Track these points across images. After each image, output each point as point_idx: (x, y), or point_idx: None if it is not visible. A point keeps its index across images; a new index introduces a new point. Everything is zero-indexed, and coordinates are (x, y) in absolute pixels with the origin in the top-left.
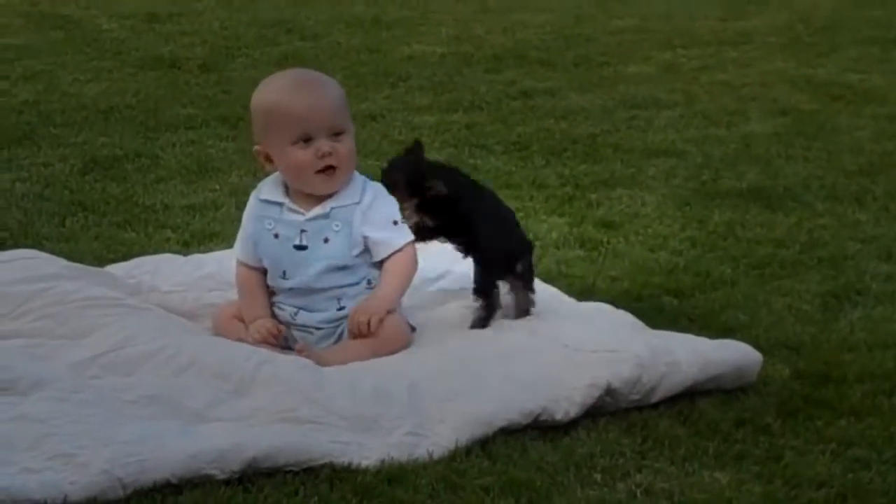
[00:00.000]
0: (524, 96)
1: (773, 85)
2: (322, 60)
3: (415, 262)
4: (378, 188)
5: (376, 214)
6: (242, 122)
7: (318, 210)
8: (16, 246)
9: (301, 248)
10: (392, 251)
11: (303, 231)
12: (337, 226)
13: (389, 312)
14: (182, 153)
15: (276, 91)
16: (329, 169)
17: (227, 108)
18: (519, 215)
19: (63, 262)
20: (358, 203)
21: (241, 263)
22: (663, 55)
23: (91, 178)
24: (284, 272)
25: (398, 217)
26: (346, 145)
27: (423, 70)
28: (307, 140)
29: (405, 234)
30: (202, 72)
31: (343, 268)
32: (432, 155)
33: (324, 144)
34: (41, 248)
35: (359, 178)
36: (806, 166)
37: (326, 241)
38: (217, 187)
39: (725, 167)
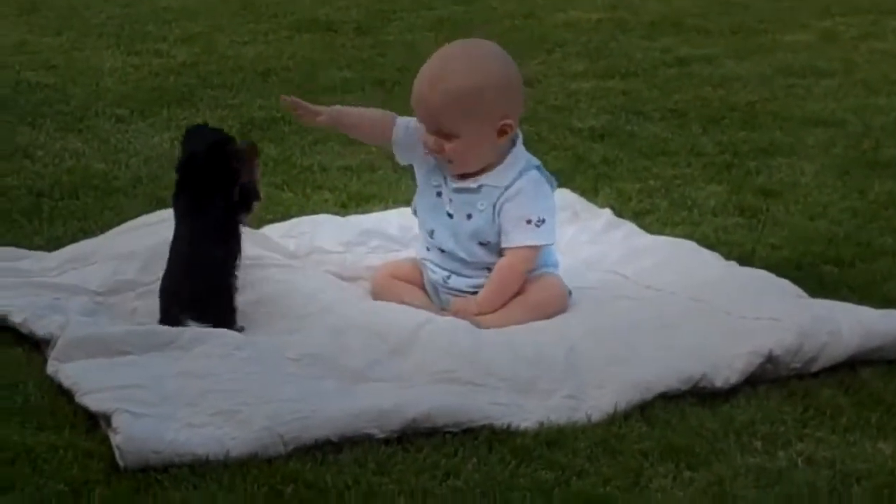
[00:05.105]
0: (680, 63)
1: None
2: (477, 25)
3: (522, 271)
4: (532, 179)
5: (513, 208)
6: (398, 85)
7: (469, 182)
8: None
9: (449, 215)
10: (508, 246)
11: (451, 200)
12: (482, 205)
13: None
14: None
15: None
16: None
17: (382, 71)
18: (676, 182)
19: None
20: (507, 188)
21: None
22: (822, 23)
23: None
24: (433, 231)
25: (535, 217)
26: (454, 146)
27: (579, 36)
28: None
29: (530, 236)
30: (357, 35)
31: (487, 243)
32: (589, 121)
33: (428, 139)
34: None
35: (520, 162)
36: None
37: (469, 217)
38: (373, 150)
39: (886, 137)
